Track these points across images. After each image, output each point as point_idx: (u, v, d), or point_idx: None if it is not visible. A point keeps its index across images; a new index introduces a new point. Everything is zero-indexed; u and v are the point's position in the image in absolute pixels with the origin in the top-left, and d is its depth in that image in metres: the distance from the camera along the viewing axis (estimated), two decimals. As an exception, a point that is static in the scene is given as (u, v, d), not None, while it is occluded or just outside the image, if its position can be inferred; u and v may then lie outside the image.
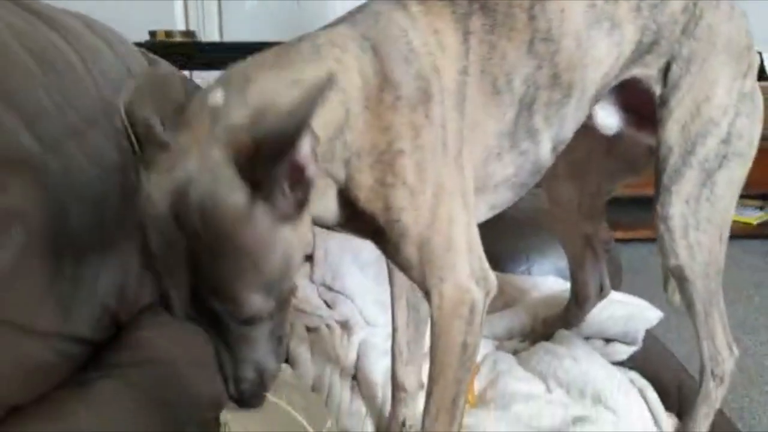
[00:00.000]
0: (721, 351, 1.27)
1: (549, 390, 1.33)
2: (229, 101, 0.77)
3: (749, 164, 1.20)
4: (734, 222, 3.94)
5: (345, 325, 1.58)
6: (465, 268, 0.97)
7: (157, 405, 1.03)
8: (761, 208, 3.98)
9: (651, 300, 1.63)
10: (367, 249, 1.46)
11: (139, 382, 1.04)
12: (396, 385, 1.27)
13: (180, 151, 0.74)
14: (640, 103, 1.20)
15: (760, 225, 3.83)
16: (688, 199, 1.16)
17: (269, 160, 0.70)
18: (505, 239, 1.72)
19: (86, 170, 1.07)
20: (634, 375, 1.40)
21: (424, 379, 1.06)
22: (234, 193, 0.71)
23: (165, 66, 1.64)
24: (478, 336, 1.00)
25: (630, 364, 1.48)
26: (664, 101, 1.16)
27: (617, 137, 1.29)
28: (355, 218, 0.94)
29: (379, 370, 1.40)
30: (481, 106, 1.02)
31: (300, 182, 0.75)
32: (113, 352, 1.09)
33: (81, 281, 1.02)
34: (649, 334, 1.59)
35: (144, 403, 1.01)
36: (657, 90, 1.16)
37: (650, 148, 1.22)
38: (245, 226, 0.71)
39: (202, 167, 0.71)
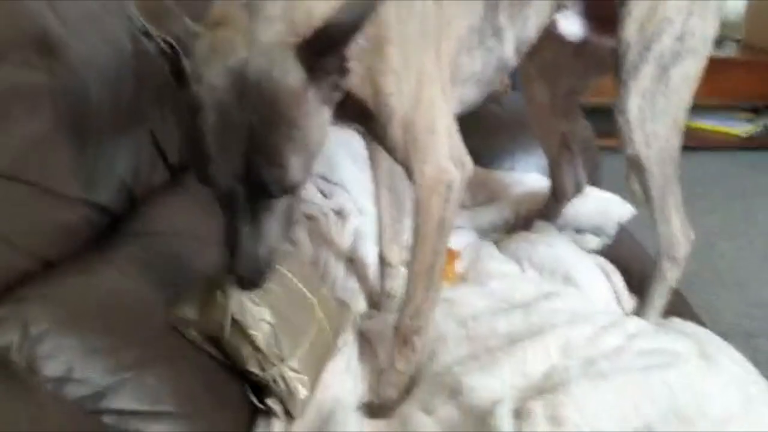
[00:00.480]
0: (677, 234, 1.39)
1: (523, 270, 1.47)
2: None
3: (703, 61, 1.29)
4: (722, 133, 4.02)
5: (340, 213, 1.68)
6: (444, 150, 1.09)
7: (167, 268, 1.16)
8: (750, 121, 4.05)
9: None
10: (357, 142, 1.53)
11: (153, 248, 1.17)
12: (382, 261, 1.41)
13: (225, 39, 0.82)
14: (601, 9, 1.30)
15: (748, 137, 3.91)
16: (645, 93, 1.26)
17: (327, 49, 0.81)
18: (491, 137, 1.82)
19: (105, 54, 1.16)
20: (602, 260, 1.54)
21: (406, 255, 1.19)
22: (291, 74, 0.81)
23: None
24: (454, 212, 1.12)
25: (601, 253, 1.61)
26: (623, 2, 1.24)
27: (583, 41, 1.40)
28: (346, 106, 1.01)
29: (371, 253, 1.52)
30: (455, 2, 1.11)
31: (343, 72, 0.85)
32: (131, 222, 1.21)
33: (102, 157, 1.13)
34: (623, 228, 1.72)
35: (157, 265, 1.14)
36: None
37: (613, 50, 1.31)
38: (300, 104, 0.82)
39: (256, 51, 0.80)
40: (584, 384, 1.05)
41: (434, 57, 1.07)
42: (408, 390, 1.15)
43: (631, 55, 1.25)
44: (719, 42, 4.06)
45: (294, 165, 0.83)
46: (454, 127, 1.12)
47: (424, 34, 1.04)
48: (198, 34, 0.83)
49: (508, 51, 1.24)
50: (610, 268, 1.51)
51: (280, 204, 0.88)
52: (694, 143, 3.92)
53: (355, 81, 0.98)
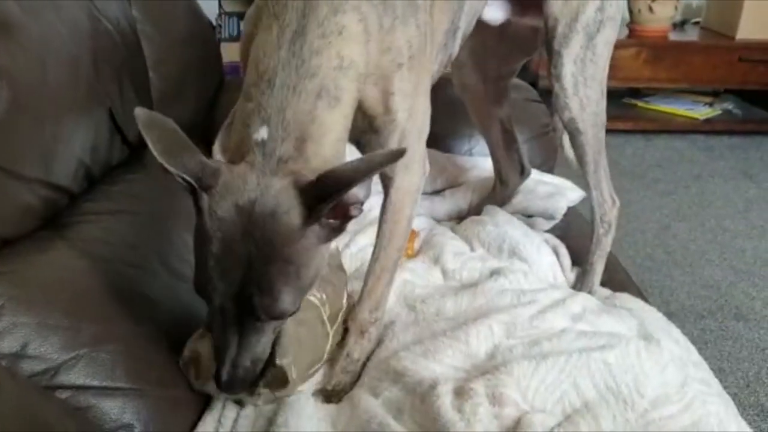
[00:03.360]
0: (607, 199, 1.50)
1: (472, 249, 1.51)
2: (272, 135, 0.91)
3: (618, 27, 1.43)
4: (681, 117, 4.09)
5: None
6: (422, 153, 1.17)
7: (125, 246, 1.18)
8: (710, 105, 4.13)
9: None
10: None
11: (111, 226, 1.19)
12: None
13: (239, 178, 0.89)
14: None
15: (706, 121, 3.99)
16: (576, 60, 1.37)
17: (327, 195, 0.87)
18: (449, 121, 1.85)
19: (62, 34, 1.16)
20: (548, 236, 1.60)
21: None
22: (292, 215, 0.88)
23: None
24: (416, 209, 1.21)
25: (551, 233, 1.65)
26: None
27: (506, 25, 1.48)
28: (356, 124, 1.06)
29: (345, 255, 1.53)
30: (440, 9, 1.17)
31: (344, 216, 0.93)
32: (89, 202, 1.23)
33: (59, 137, 1.14)
34: (573, 210, 1.77)
35: (115, 243, 1.16)
36: None
37: (534, 30, 1.45)
38: (297, 242, 0.90)
39: (265, 191, 0.88)
40: (526, 364, 1.09)
41: (428, 63, 1.13)
42: (358, 375, 1.19)
43: (560, 27, 1.36)
44: (681, 25, 4.12)
45: (285, 297, 0.91)
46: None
47: (424, 48, 1.09)
48: (217, 172, 0.89)
49: (457, 47, 1.31)
50: (556, 242, 1.57)
51: (269, 325, 0.96)
52: (654, 126, 4.01)
53: (369, 103, 1.03)
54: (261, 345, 0.98)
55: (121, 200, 1.26)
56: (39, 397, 0.90)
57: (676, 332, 1.29)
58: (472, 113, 1.72)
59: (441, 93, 1.39)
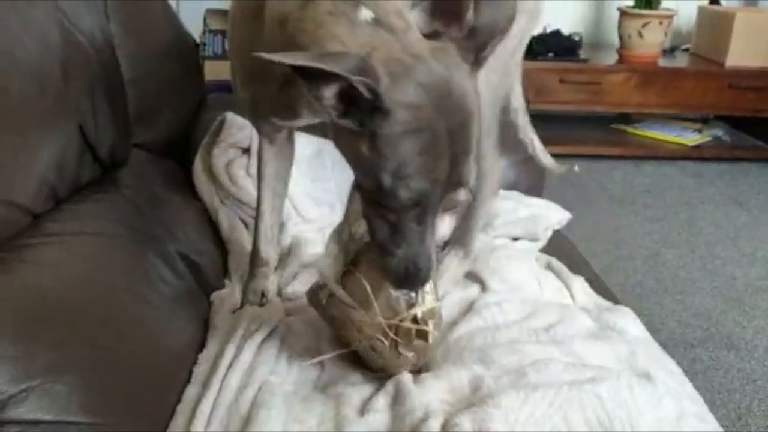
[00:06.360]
0: None
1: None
2: (378, 13, 0.89)
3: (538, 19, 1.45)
4: (671, 143, 4.10)
5: None
6: None
7: (89, 269, 1.12)
8: (700, 131, 4.11)
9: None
10: (301, 144, 1.50)
11: (74, 248, 1.12)
12: (258, 262, 1.38)
13: (393, 60, 0.85)
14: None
15: (695, 147, 3.97)
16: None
17: (483, 45, 0.90)
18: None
19: (28, 45, 1.11)
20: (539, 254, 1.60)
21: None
22: (464, 73, 0.89)
23: None
24: None
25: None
26: None
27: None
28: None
29: (307, 255, 1.50)
30: None
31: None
32: (52, 222, 1.16)
33: (22, 153, 1.08)
34: (558, 233, 1.74)
35: (77, 266, 1.10)
36: None
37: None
38: (474, 96, 0.90)
39: (429, 62, 0.86)
40: (514, 396, 1.03)
41: None
42: None
43: None
44: (670, 51, 4.12)
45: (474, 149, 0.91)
46: None
47: None
48: (364, 62, 0.82)
49: None
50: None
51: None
52: (643, 152, 3.99)
53: None
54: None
55: (87, 221, 1.20)
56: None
57: (670, 363, 1.24)
58: None
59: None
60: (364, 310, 1.07)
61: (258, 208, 1.37)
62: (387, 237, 0.94)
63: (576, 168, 1.68)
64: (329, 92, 0.82)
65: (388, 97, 0.82)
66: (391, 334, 1.07)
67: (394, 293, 1.06)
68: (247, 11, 1.07)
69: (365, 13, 0.88)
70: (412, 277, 0.95)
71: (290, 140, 1.35)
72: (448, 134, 0.85)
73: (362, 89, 0.81)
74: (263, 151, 1.32)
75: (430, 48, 0.88)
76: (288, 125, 1.27)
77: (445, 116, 0.85)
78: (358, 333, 1.11)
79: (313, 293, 1.17)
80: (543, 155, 1.72)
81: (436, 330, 1.10)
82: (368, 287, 1.06)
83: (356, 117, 0.85)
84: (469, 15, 0.91)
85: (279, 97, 1.11)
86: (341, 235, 1.14)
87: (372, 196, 0.92)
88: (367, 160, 0.87)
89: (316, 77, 0.81)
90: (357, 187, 0.95)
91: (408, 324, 1.07)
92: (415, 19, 1.27)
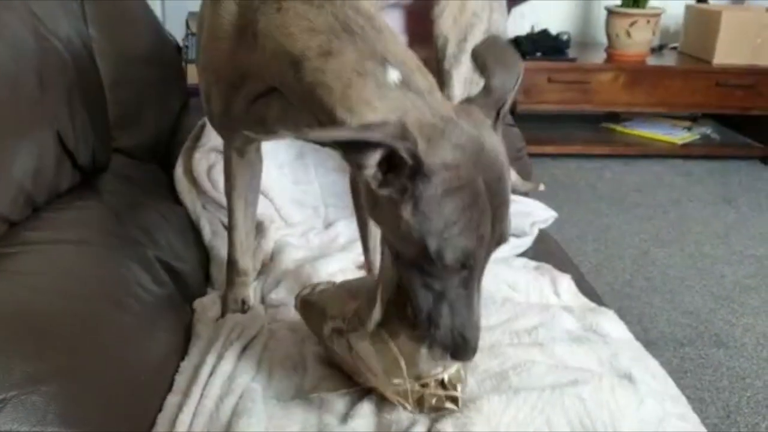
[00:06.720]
0: None
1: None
2: (404, 72, 0.89)
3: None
4: (660, 141, 4.10)
5: (259, 227, 1.61)
6: None
7: (68, 278, 1.10)
8: (689, 129, 4.11)
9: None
10: (283, 150, 1.50)
11: (53, 257, 1.11)
12: (236, 272, 1.37)
13: (426, 124, 0.84)
14: (414, 23, 1.43)
15: (684, 145, 3.97)
16: (465, 82, 1.38)
17: (497, 104, 0.90)
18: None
19: (2, 52, 1.09)
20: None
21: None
22: (490, 128, 0.89)
23: None
24: None
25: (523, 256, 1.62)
26: (436, 1, 1.37)
27: None
28: None
29: (290, 261, 1.49)
30: None
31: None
32: (30, 231, 1.15)
33: (-4, 161, 1.06)
34: (545, 233, 1.73)
35: (56, 275, 1.08)
36: None
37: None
38: (505, 154, 0.90)
39: (459, 121, 0.86)
40: (496, 400, 1.03)
41: None
42: None
43: (450, 47, 1.37)
44: (658, 50, 4.12)
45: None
46: None
47: None
48: (400, 127, 0.82)
49: None
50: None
51: None
52: (632, 151, 3.99)
53: None
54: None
55: (66, 229, 1.19)
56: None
57: (653, 364, 1.23)
58: None
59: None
60: (390, 376, 1.02)
61: (230, 220, 1.36)
62: (432, 306, 0.91)
63: (541, 187, 1.66)
64: (372, 160, 0.82)
65: (428, 160, 0.82)
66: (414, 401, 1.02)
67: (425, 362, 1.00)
68: (230, 27, 1.03)
69: (393, 75, 0.88)
70: (461, 350, 0.92)
71: (259, 151, 1.32)
72: (488, 189, 0.85)
73: (405, 155, 0.81)
74: (232, 164, 1.30)
75: (456, 109, 0.89)
76: (260, 139, 1.25)
77: (482, 172, 0.85)
78: (375, 385, 1.07)
79: (306, 308, 1.14)
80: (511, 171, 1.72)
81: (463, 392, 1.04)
82: (402, 362, 0.99)
83: (396, 185, 0.85)
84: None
85: (251, 113, 1.09)
86: (371, 306, 1.05)
87: (414, 263, 0.90)
88: (410, 226, 0.86)
89: (359, 147, 0.82)
90: (395, 258, 0.93)
91: (438, 391, 1.01)
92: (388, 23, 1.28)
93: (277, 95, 1.01)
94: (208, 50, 1.09)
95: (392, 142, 0.80)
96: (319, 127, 0.93)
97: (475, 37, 1.35)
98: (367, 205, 0.94)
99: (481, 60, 0.93)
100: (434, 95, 0.90)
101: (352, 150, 0.82)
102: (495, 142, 0.89)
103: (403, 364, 0.99)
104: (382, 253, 0.98)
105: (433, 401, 1.01)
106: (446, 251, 0.85)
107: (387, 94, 0.87)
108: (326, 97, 0.90)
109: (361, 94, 0.88)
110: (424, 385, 0.99)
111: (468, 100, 0.92)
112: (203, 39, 1.11)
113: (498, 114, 0.91)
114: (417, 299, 0.92)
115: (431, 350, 0.95)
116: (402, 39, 1.43)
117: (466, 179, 0.84)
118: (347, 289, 1.11)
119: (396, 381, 1.00)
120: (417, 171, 0.83)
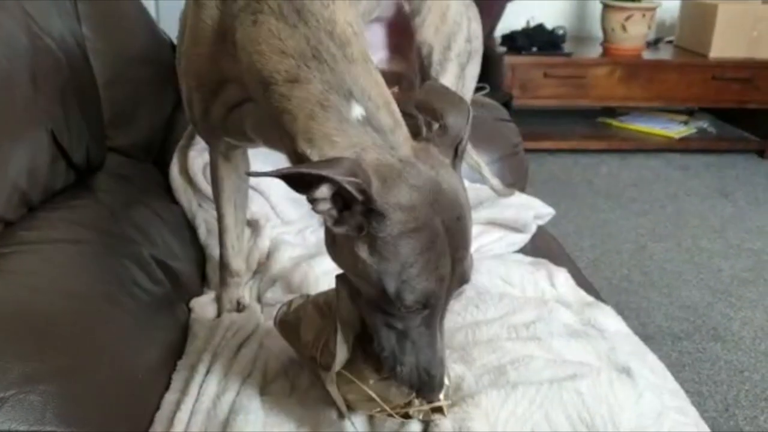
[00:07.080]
0: None
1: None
2: (369, 108, 0.88)
3: (480, 62, 1.46)
4: (656, 135, 4.11)
5: (255, 225, 1.61)
6: None
7: (65, 277, 1.10)
8: (685, 123, 4.12)
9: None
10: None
11: (49, 256, 1.11)
12: (229, 273, 1.38)
13: (384, 165, 0.84)
14: (394, 37, 1.44)
15: (681, 139, 3.97)
16: (451, 87, 1.34)
17: (455, 141, 0.90)
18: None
19: (-7, 51, 1.09)
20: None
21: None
22: (449, 167, 0.89)
23: None
24: None
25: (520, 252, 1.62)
26: (416, 12, 1.37)
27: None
28: None
29: (286, 259, 1.49)
30: None
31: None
32: (26, 230, 1.15)
33: (-9, 160, 1.06)
34: (543, 229, 1.73)
35: (53, 274, 1.08)
36: (407, 6, 1.36)
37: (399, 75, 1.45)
38: (465, 195, 0.91)
39: (415, 161, 0.86)
40: (495, 394, 1.03)
41: None
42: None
43: (436, 55, 1.37)
44: (654, 44, 4.12)
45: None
46: None
47: None
48: (356, 167, 0.81)
49: None
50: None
51: None
52: (629, 145, 3.99)
53: None
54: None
55: (61, 228, 1.18)
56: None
57: (651, 358, 1.23)
58: None
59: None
60: (369, 408, 1.02)
61: (220, 224, 1.35)
62: (395, 345, 0.91)
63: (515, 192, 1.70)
64: (320, 194, 0.82)
65: (381, 200, 0.82)
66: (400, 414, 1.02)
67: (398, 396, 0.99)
68: (211, 33, 1.02)
69: (356, 111, 0.87)
70: (426, 386, 0.92)
71: (245, 154, 1.32)
72: (446, 230, 0.85)
73: (353, 190, 0.80)
74: (218, 168, 1.30)
75: (415, 149, 0.88)
76: (242, 146, 1.25)
77: (440, 213, 0.85)
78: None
79: (284, 329, 1.13)
80: (489, 176, 1.71)
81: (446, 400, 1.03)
82: (377, 397, 0.99)
83: (351, 223, 0.84)
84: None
85: (229, 121, 1.09)
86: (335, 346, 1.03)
87: (375, 304, 0.89)
88: (368, 267, 0.85)
89: (307, 181, 0.81)
90: (357, 296, 0.93)
91: (422, 407, 1.00)
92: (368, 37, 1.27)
93: (254, 105, 1.01)
94: (189, 55, 1.07)
95: (337, 177, 0.79)
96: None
97: (458, 45, 1.37)
98: (326, 243, 0.94)
99: (427, 105, 0.92)
100: (396, 134, 0.88)
101: (301, 184, 0.81)
102: (454, 182, 0.88)
103: (378, 398, 0.99)
104: (337, 292, 0.97)
105: (420, 416, 1.01)
106: (405, 292, 0.85)
107: (348, 130, 0.86)
108: (289, 124, 0.89)
109: (322, 128, 0.87)
110: (408, 404, 0.99)
111: (426, 140, 0.91)
112: (185, 43, 1.09)
113: (456, 152, 0.91)
114: (379, 338, 0.92)
115: (399, 387, 0.96)
116: (382, 56, 1.45)
117: (423, 221, 0.83)
118: (318, 305, 1.10)
119: (376, 410, 1.00)
120: (371, 210, 0.82)
